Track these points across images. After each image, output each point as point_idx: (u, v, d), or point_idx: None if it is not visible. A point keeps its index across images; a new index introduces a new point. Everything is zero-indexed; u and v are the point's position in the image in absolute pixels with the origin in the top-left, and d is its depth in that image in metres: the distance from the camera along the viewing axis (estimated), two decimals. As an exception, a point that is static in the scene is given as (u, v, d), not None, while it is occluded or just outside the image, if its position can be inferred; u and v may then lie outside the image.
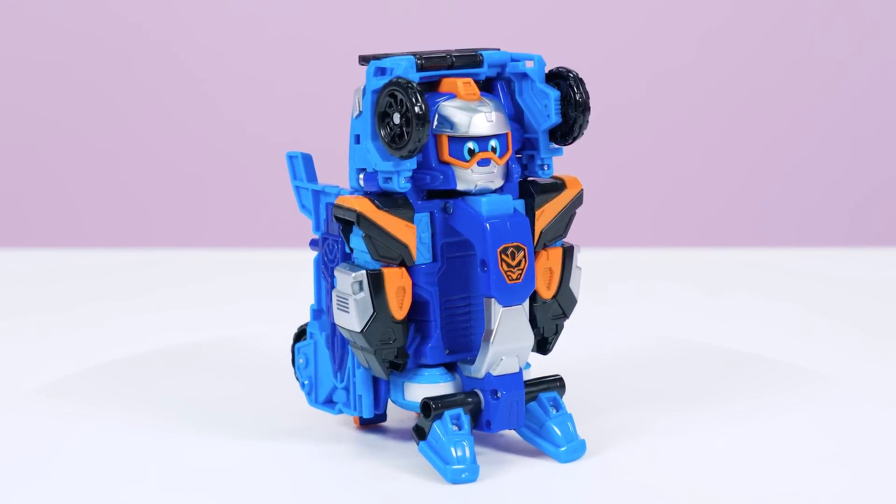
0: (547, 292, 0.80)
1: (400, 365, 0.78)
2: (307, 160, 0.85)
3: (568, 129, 0.79)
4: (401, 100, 0.74)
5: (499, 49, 0.80)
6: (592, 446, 0.80)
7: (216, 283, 1.45)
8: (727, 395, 0.91)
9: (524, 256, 0.76)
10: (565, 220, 0.80)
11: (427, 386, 0.79)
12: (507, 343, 0.77)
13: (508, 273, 0.76)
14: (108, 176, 1.80)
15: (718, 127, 1.83)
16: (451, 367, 0.80)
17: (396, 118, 0.75)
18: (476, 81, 0.79)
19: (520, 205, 0.79)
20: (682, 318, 1.28)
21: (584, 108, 0.78)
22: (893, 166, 1.85)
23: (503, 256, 0.76)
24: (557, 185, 0.80)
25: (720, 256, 1.61)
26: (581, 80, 0.78)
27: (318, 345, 0.83)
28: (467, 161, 0.76)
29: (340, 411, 0.83)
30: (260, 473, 0.78)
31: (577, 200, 0.81)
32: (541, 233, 0.79)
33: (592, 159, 1.79)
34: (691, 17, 1.81)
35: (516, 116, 0.80)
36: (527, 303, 0.78)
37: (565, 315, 0.81)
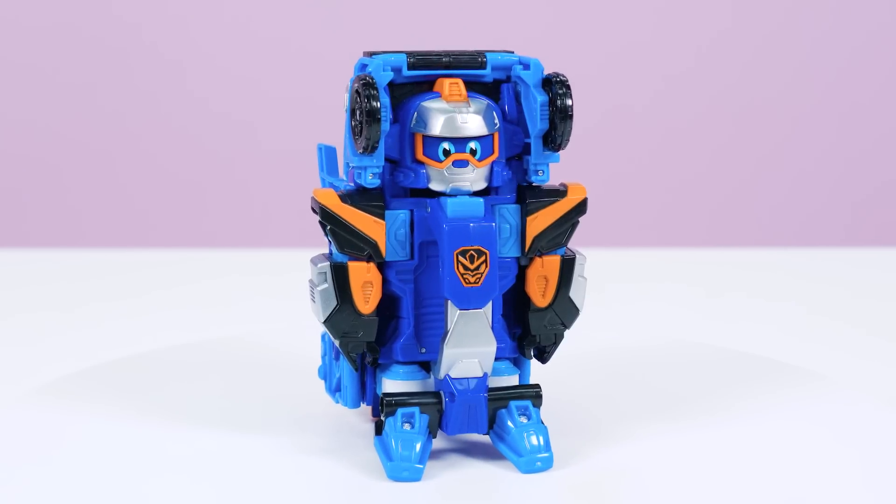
0: (542, 300, 0.79)
1: (372, 359, 0.78)
2: (329, 153, 0.84)
3: (553, 135, 0.77)
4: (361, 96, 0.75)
5: (512, 52, 0.79)
6: (572, 453, 0.79)
7: (216, 283, 1.45)
8: (726, 395, 0.90)
9: (485, 261, 0.75)
10: (563, 227, 0.79)
11: (396, 382, 0.78)
12: (463, 346, 0.76)
13: (465, 276, 0.75)
14: (108, 176, 1.80)
15: (719, 128, 1.83)
16: (427, 366, 0.79)
17: (358, 114, 0.75)
18: (483, 83, 0.78)
19: (515, 210, 0.78)
20: (681, 319, 1.27)
21: (565, 115, 0.76)
22: (893, 167, 1.85)
23: (460, 259, 0.75)
24: (557, 192, 0.79)
25: (720, 256, 1.61)
26: (567, 85, 0.77)
27: None
28: (441, 161, 0.76)
29: (338, 401, 0.83)
30: (258, 467, 0.78)
31: (579, 209, 0.79)
32: (533, 239, 0.78)
33: (594, 160, 1.79)
34: (694, 22, 1.81)
35: (519, 120, 0.79)
36: (488, 308, 0.76)
37: (564, 325, 0.80)
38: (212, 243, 1.76)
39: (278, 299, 1.29)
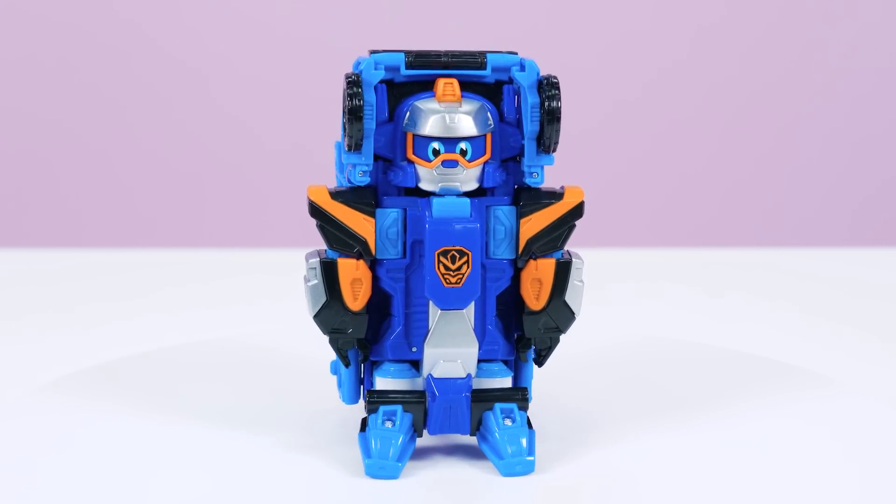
0: (536, 303, 0.78)
1: (363, 355, 0.78)
2: (340, 149, 0.84)
3: (542, 137, 0.76)
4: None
5: (515, 53, 0.78)
6: (561, 454, 0.78)
7: (216, 283, 1.45)
8: (725, 396, 0.90)
9: (467, 262, 0.75)
10: (559, 231, 0.78)
11: (386, 380, 0.78)
12: (443, 346, 0.76)
13: (446, 276, 0.75)
14: (108, 176, 1.81)
15: (719, 127, 1.83)
16: (418, 365, 0.79)
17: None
18: (485, 84, 0.78)
19: (510, 211, 0.77)
20: (681, 319, 1.27)
21: (553, 117, 0.76)
22: (894, 167, 1.85)
23: (441, 259, 0.75)
24: (553, 194, 0.78)
25: (720, 256, 1.62)
26: (557, 87, 0.76)
27: None
28: (430, 161, 0.76)
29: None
30: (248, 464, 0.78)
31: (575, 212, 0.78)
32: (527, 242, 0.77)
33: (593, 159, 1.79)
34: (691, 17, 1.81)
35: (518, 122, 0.78)
36: (470, 309, 0.76)
37: (560, 330, 0.79)
38: (212, 243, 1.76)
39: (279, 299, 1.29)
